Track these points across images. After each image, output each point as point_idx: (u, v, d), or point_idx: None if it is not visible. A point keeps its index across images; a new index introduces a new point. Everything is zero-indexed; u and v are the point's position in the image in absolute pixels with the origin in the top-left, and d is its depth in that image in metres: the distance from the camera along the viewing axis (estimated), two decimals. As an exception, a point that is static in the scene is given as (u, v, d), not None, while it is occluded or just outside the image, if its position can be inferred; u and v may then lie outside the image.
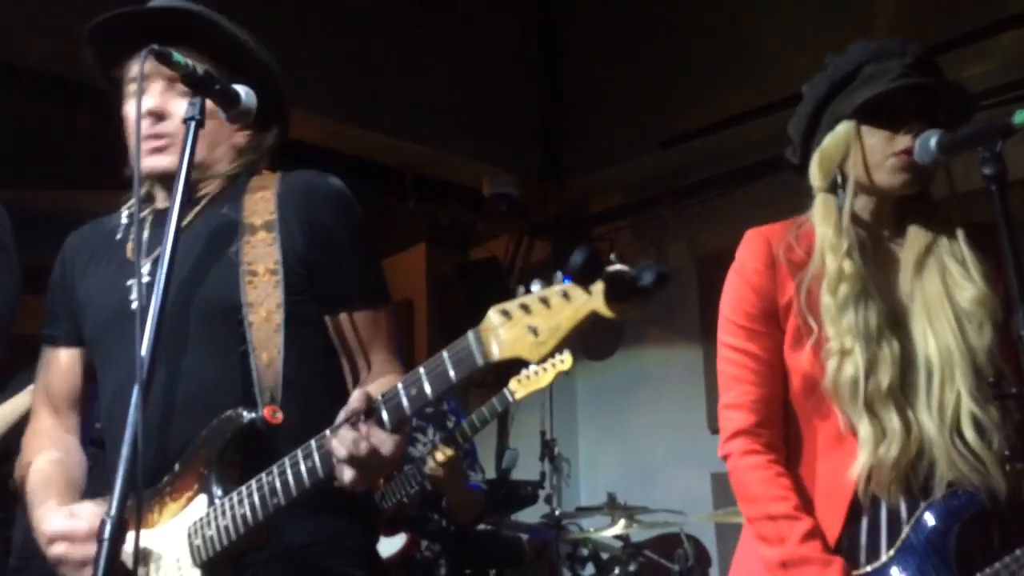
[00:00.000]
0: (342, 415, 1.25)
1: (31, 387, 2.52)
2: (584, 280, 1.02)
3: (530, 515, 4.36)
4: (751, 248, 1.65)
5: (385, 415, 1.22)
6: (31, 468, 1.56)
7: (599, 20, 5.25)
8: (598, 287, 1.02)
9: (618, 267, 1.02)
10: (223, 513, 1.33)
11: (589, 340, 5.50)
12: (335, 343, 1.56)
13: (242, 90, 1.44)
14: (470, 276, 5.68)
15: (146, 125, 1.49)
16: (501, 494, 4.10)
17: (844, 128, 1.56)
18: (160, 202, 1.64)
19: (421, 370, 1.18)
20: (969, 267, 1.53)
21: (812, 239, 1.61)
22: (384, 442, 1.23)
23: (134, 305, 1.50)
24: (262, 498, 1.30)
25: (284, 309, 1.46)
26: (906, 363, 1.51)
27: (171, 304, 1.37)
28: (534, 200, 5.43)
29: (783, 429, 1.62)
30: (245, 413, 1.37)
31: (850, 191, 1.57)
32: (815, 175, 1.62)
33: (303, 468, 1.28)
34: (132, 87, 1.55)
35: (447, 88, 4.79)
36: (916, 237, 1.58)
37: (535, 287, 1.05)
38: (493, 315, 1.09)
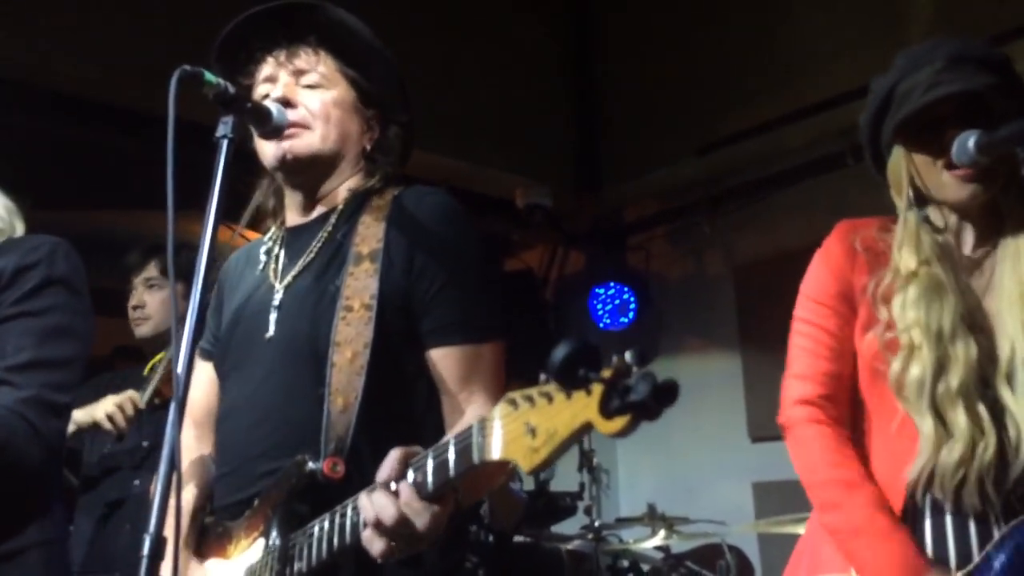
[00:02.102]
0: (379, 474, 1.13)
1: (102, 401, 2.59)
2: (568, 381, 0.89)
3: (569, 526, 4.33)
4: (837, 234, 1.67)
5: (430, 477, 1.08)
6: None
7: (633, 28, 5.24)
8: (596, 390, 0.88)
9: (611, 372, 0.87)
10: (270, 563, 1.31)
11: (627, 350, 5.46)
12: (436, 380, 1.44)
13: (274, 107, 1.46)
14: (504, 288, 5.68)
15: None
16: (540, 505, 4.08)
17: (896, 154, 1.58)
18: (291, 217, 1.62)
19: (429, 455, 1.09)
20: None
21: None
22: (419, 513, 1.10)
23: (267, 335, 1.49)
24: (303, 550, 1.26)
25: (371, 349, 1.37)
26: (990, 360, 1.47)
27: (280, 337, 1.44)
28: (568, 210, 5.42)
29: (850, 409, 1.60)
30: (311, 463, 1.30)
31: (911, 209, 1.57)
32: (895, 198, 1.63)
33: (346, 523, 1.20)
34: (261, 88, 1.57)
35: (480, 99, 4.81)
36: (1011, 236, 1.54)
37: (548, 384, 0.93)
38: (501, 405, 0.99)
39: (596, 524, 3.87)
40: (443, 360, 1.44)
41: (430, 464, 1.09)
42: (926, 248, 1.55)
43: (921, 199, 1.58)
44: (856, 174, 1.70)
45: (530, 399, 0.94)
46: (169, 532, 1.10)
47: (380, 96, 1.62)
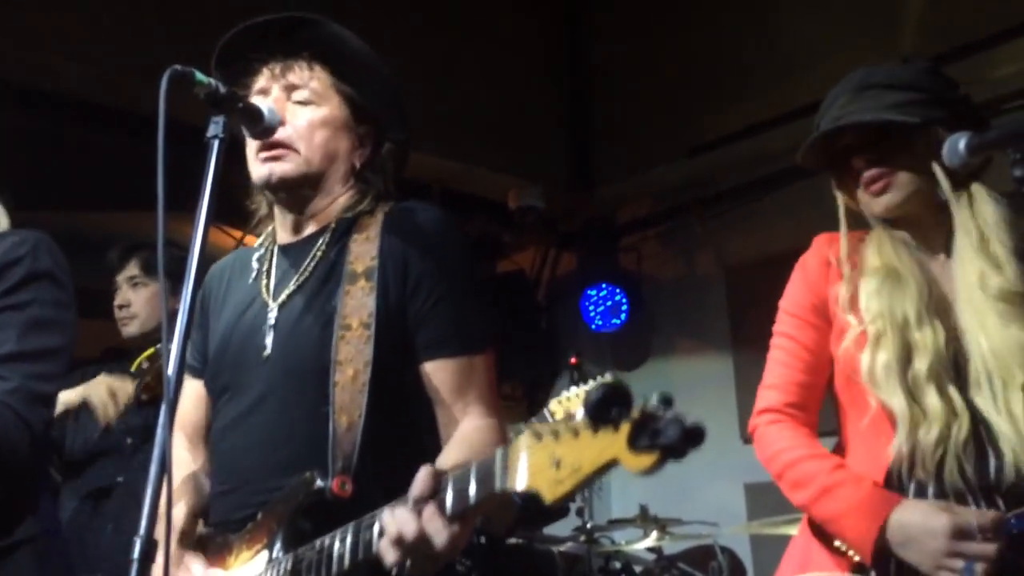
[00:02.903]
0: (412, 490, 1.13)
1: (95, 380, 2.59)
2: (600, 419, 0.91)
3: (561, 528, 4.32)
4: (813, 248, 1.73)
5: (450, 500, 1.09)
6: None
7: (625, 30, 5.24)
8: (625, 429, 0.90)
9: (640, 413, 0.89)
10: (276, 573, 1.30)
11: (618, 351, 5.47)
12: (430, 393, 1.45)
13: (264, 107, 1.45)
14: (496, 289, 5.68)
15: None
16: (532, 507, 4.08)
17: (832, 178, 1.68)
18: (282, 235, 1.61)
19: (450, 480, 1.10)
20: (1013, 267, 1.53)
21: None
22: (439, 531, 1.10)
23: (265, 353, 1.49)
24: (311, 566, 1.25)
25: (372, 367, 1.39)
26: (959, 358, 1.51)
27: (277, 356, 1.45)
28: (561, 211, 5.42)
29: (813, 416, 1.66)
30: (319, 481, 1.31)
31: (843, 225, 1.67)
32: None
33: (359, 540, 1.19)
34: (256, 100, 1.55)
35: (473, 100, 4.81)
36: (965, 235, 1.58)
37: (577, 415, 0.95)
38: (525, 436, 1.00)
39: (588, 525, 3.87)
40: (438, 373, 1.45)
41: (451, 487, 1.10)
42: (888, 247, 1.61)
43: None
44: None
45: (556, 433, 0.96)
46: (159, 535, 1.10)
47: (375, 113, 1.62)
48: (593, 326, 5.31)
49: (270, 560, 1.33)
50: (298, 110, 1.55)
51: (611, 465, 0.91)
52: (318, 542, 1.26)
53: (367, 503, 1.23)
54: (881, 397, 1.51)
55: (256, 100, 1.55)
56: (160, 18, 3.53)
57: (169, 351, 1.18)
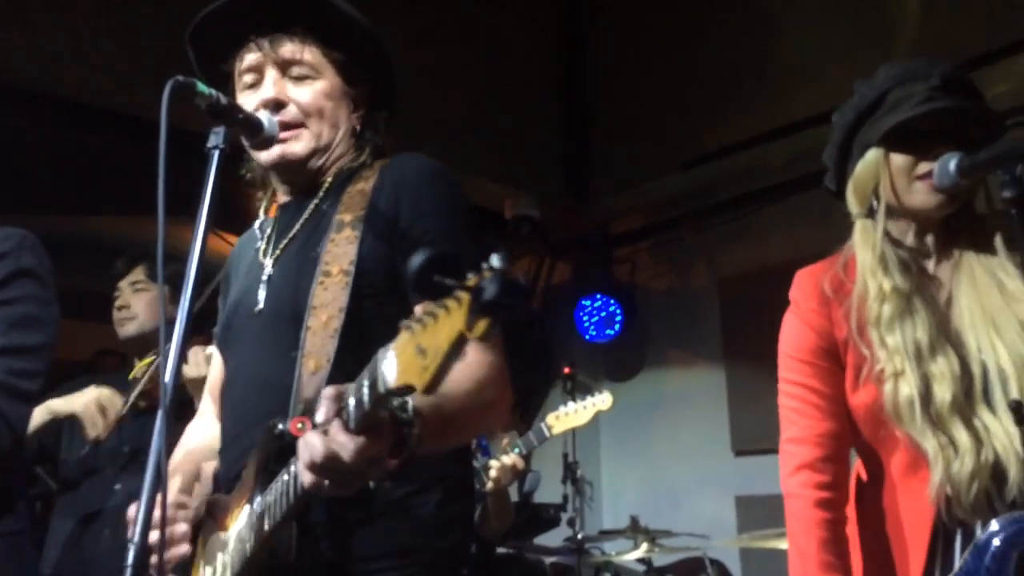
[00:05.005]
0: (317, 416, 1.14)
1: (84, 391, 2.59)
2: (429, 292, 0.90)
3: (552, 538, 4.32)
4: (803, 289, 1.66)
5: (351, 413, 1.08)
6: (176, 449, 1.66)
7: (623, 42, 5.27)
8: (464, 298, 0.89)
9: (472, 281, 0.88)
10: (252, 526, 1.32)
11: (611, 362, 5.48)
12: None
13: (264, 118, 1.46)
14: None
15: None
16: (523, 517, 4.08)
17: (873, 155, 1.58)
18: (282, 196, 1.64)
19: (351, 391, 1.10)
20: (1020, 281, 1.52)
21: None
22: (344, 446, 1.09)
23: (257, 308, 1.52)
24: (269, 508, 1.26)
25: (346, 313, 1.38)
26: (967, 377, 1.49)
27: (268, 309, 1.47)
28: (555, 222, 5.44)
29: (847, 466, 1.60)
30: (280, 425, 1.30)
31: (882, 213, 1.58)
32: (851, 202, 1.64)
33: (290, 477, 1.21)
34: (246, 78, 1.57)
35: (470, 110, 4.82)
36: (964, 253, 1.58)
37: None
38: (401, 333, 0.98)
39: (579, 536, 3.88)
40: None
41: (351, 400, 1.10)
42: (890, 263, 1.56)
43: (878, 210, 1.60)
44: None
45: (421, 322, 0.95)
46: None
47: (367, 72, 1.63)
48: (587, 336, 5.32)
49: (250, 512, 1.34)
50: (299, 88, 1.55)
51: (462, 340, 0.90)
52: (274, 484, 1.27)
53: None
54: (910, 434, 1.49)
55: (248, 78, 1.56)
56: (162, 21, 3.55)
57: (167, 357, 1.19)
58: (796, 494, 1.58)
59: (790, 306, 1.68)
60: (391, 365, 0.98)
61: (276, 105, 1.52)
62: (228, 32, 1.57)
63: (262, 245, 1.61)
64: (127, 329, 2.87)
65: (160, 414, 1.16)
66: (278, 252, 1.56)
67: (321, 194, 1.56)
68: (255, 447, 1.37)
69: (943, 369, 1.48)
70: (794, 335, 1.65)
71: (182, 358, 1.22)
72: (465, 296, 0.89)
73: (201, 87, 1.30)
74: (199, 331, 2.63)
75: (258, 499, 1.33)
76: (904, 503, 1.53)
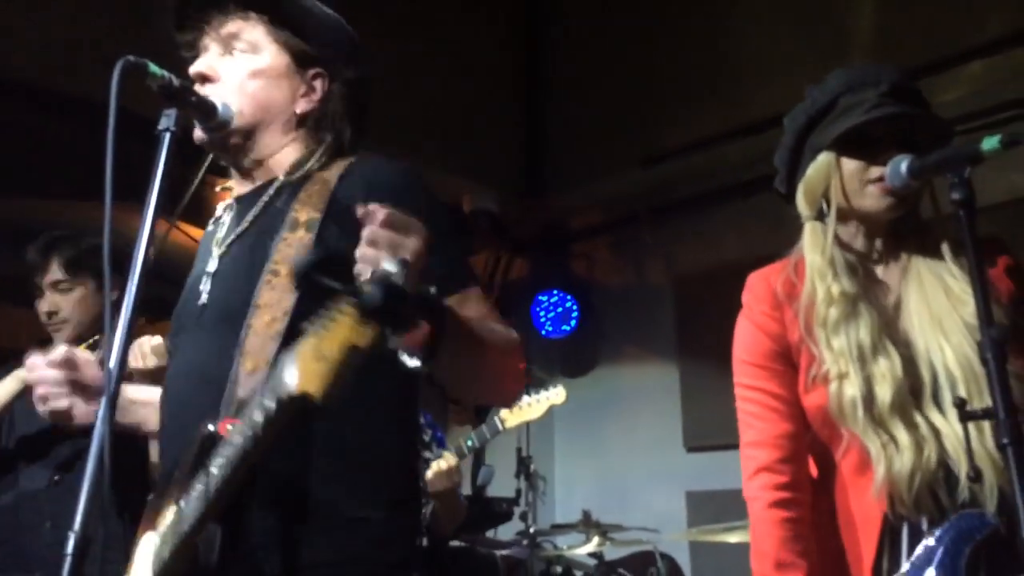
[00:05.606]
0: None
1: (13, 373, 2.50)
2: (313, 292, 0.89)
3: (505, 532, 4.34)
4: (755, 292, 1.67)
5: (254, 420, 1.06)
6: None
7: (582, 38, 5.29)
8: (352, 307, 0.88)
9: (343, 284, 0.87)
10: (174, 525, 1.27)
11: (566, 358, 5.51)
12: None
13: (219, 102, 1.44)
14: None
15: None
16: (476, 511, 4.08)
17: (824, 159, 1.60)
18: (237, 187, 1.59)
19: (257, 401, 1.07)
20: (966, 284, 1.53)
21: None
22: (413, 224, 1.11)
23: (200, 301, 1.48)
24: (182, 514, 1.22)
25: (291, 316, 1.32)
26: (914, 379, 1.51)
27: (210, 303, 1.45)
28: (514, 217, 5.44)
29: (806, 465, 1.61)
30: (210, 426, 1.26)
31: (832, 216, 1.61)
32: (801, 205, 1.66)
33: (209, 477, 1.18)
34: (203, 48, 1.53)
35: (428, 103, 4.80)
36: (912, 257, 1.61)
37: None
38: (305, 336, 0.96)
39: (531, 530, 3.89)
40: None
41: (258, 412, 1.06)
42: (838, 266, 1.59)
43: (828, 213, 1.62)
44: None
45: (324, 326, 0.94)
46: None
47: (319, 56, 1.57)
48: (543, 332, 5.33)
49: (177, 511, 1.29)
50: (229, 64, 1.51)
51: (353, 350, 0.89)
52: (196, 484, 1.23)
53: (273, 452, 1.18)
54: (854, 432, 1.51)
55: (192, 55, 1.53)
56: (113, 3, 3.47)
57: (112, 347, 1.16)
58: (755, 496, 1.60)
59: (743, 310, 1.69)
60: (291, 373, 0.96)
61: (202, 79, 1.49)
62: (191, 19, 1.55)
63: (217, 234, 1.56)
64: (63, 335, 2.63)
65: (103, 402, 1.14)
66: (226, 247, 1.52)
67: (272, 191, 1.51)
68: (187, 450, 1.31)
69: (884, 371, 1.50)
70: (747, 339, 1.66)
71: (128, 344, 1.19)
72: (349, 307, 0.88)
73: (153, 68, 1.27)
74: (151, 320, 2.56)
75: (182, 500, 1.28)
76: (854, 502, 1.55)
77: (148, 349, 2.18)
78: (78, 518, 1.10)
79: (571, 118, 5.27)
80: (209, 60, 1.51)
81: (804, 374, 1.59)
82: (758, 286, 1.67)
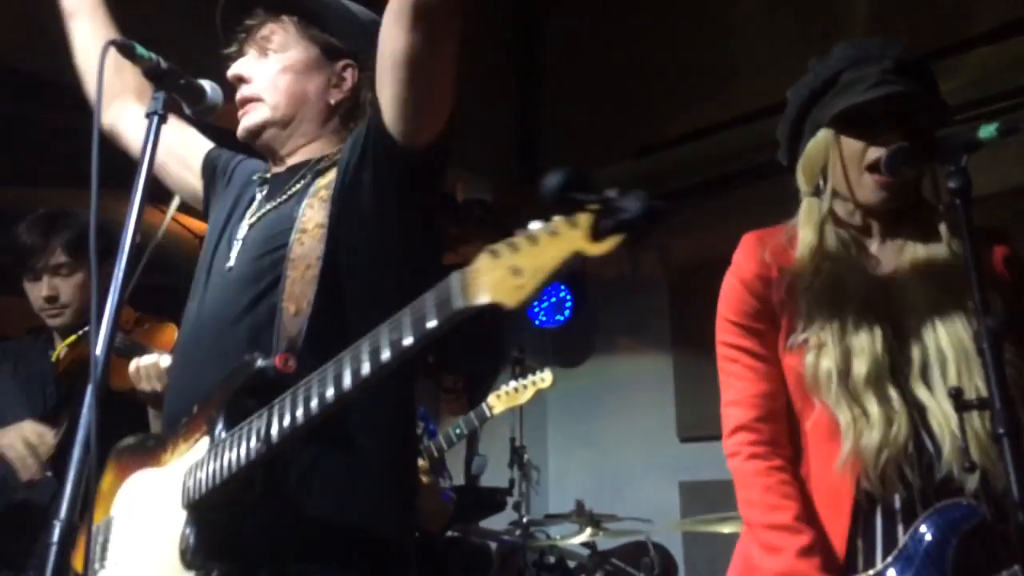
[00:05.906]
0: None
1: (5, 431, 2.41)
2: (565, 209, 0.93)
3: (498, 522, 4.33)
4: (745, 250, 1.67)
5: (409, 331, 1.06)
6: None
7: (578, 28, 5.26)
8: (583, 220, 0.92)
9: (600, 202, 0.90)
10: (216, 456, 1.29)
11: (561, 348, 5.50)
12: None
13: (207, 85, 1.43)
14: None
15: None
16: (470, 500, 4.08)
17: (823, 136, 1.60)
18: (272, 167, 1.68)
19: (406, 312, 1.08)
20: (962, 269, 1.52)
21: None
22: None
23: (228, 264, 1.55)
24: (248, 443, 1.24)
25: (324, 261, 1.43)
26: (901, 356, 1.51)
27: (237, 267, 1.51)
28: (507, 206, 5.42)
29: (787, 425, 1.61)
30: (260, 360, 1.30)
31: (828, 195, 1.60)
32: (800, 180, 1.66)
33: (269, 416, 1.21)
34: (242, 56, 1.64)
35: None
36: (909, 238, 1.59)
37: (532, 226, 0.97)
38: (482, 257, 1.00)
39: (525, 520, 3.89)
40: None
41: (407, 319, 1.07)
42: (830, 243, 1.58)
43: (824, 189, 1.61)
44: (792, 181, 1.72)
45: (513, 246, 0.98)
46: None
47: (348, 47, 1.64)
48: (537, 322, 5.32)
49: (212, 443, 1.32)
50: (262, 64, 1.61)
51: (574, 258, 0.93)
52: (251, 421, 1.25)
53: None
54: (829, 405, 1.51)
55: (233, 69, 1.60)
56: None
57: (98, 333, 1.15)
58: (734, 452, 1.60)
59: (731, 267, 1.68)
60: (480, 286, 0.98)
61: (238, 80, 1.60)
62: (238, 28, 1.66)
63: (246, 205, 1.64)
64: (61, 320, 2.51)
65: (90, 389, 1.12)
66: (255, 219, 1.59)
67: (302, 182, 1.57)
68: (221, 382, 1.36)
69: (864, 344, 1.50)
70: (731, 297, 1.66)
71: (115, 331, 1.18)
72: (586, 217, 0.91)
73: (140, 49, 1.26)
74: (137, 309, 2.51)
75: (219, 428, 1.32)
76: (819, 471, 1.55)
77: (154, 372, 2.09)
78: (64, 506, 1.08)
79: (566, 107, 5.25)
80: (244, 63, 1.62)
81: (784, 335, 1.60)
82: (749, 245, 1.67)
